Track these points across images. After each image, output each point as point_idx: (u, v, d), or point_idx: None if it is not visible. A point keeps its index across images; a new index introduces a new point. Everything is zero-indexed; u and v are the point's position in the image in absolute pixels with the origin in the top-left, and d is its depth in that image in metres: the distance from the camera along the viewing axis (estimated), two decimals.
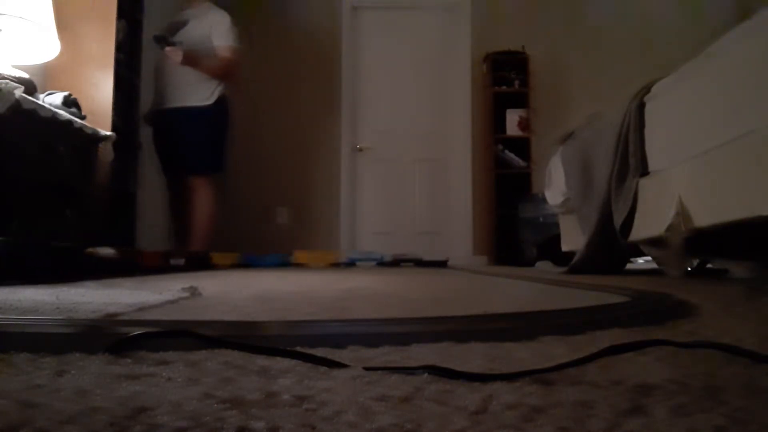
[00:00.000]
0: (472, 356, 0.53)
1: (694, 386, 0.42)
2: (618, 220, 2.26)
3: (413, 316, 0.88)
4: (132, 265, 2.41)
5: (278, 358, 0.50)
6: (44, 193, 2.08)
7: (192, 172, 3.50)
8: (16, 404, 0.35)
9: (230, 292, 1.42)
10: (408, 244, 4.78)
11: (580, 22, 4.97)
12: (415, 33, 5.02)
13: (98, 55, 2.84)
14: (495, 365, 0.49)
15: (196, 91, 3.44)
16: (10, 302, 0.97)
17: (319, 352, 0.52)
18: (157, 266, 2.68)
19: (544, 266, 3.39)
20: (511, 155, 4.70)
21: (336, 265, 4.04)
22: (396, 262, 4.24)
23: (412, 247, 4.74)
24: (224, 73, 3.50)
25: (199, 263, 3.20)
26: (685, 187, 1.85)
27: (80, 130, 2.33)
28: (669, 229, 1.86)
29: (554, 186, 3.11)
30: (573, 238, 2.88)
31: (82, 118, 2.43)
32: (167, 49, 3.33)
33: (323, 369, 0.47)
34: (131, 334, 0.55)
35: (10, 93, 1.79)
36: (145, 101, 3.39)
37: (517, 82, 4.74)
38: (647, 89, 2.17)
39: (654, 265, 2.72)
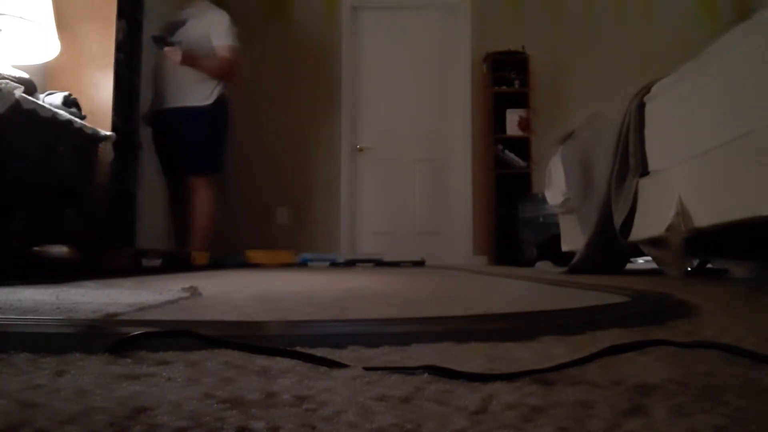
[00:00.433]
0: (472, 356, 0.53)
1: (694, 386, 0.41)
2: (618, 220, 2.26)
3: (413, 316, 0.88)
4: (92, 266, 2.15)
5: (278, 358, 0.50)
6: (44, 193, 2.08)
7: (192, 172, 3.50)
8: (16, 404, 0.35)
9: (230, 292, 1.42)
10: (408, 244, 4.79)
11: (580, 22, 4.97)
12: (415, 33, 5.02)
13: (98, 55, 2.84)
14: (495, 365, 0.49)
15: (196, 91, 3.44)
16: (10, 302, 0.97)
17: (319, 352, 0.52)
18: (125, 267, 2.39)
19: (544, 266, 3.39)
20: (511, 155, 4.70)
21: (289, 266, 4.00)
22: (351, 262, 4.25)
23: (412, 247, 4.74)
24: (223, 72, 3.50)
25: (177, 264, 3.00)
26: (685, 187, 1.85)
27: (80, 130, 2.32)
28: (669, 229, 1.86)
29: (554, 186, 3.11)
30: (573, 238, 2.88)
31: (82, 118, 2.42)
32: (166, 49, 3.33)
33: (323, 369, 0.47)
34: (131, 334, 0.55)
35: (10, 93, 1.79)
36: (145, 101, 3.39)
37: (517, 82, 4.74)
38: (647, 89, 2.17)
39: (654, 265, 2.72)
